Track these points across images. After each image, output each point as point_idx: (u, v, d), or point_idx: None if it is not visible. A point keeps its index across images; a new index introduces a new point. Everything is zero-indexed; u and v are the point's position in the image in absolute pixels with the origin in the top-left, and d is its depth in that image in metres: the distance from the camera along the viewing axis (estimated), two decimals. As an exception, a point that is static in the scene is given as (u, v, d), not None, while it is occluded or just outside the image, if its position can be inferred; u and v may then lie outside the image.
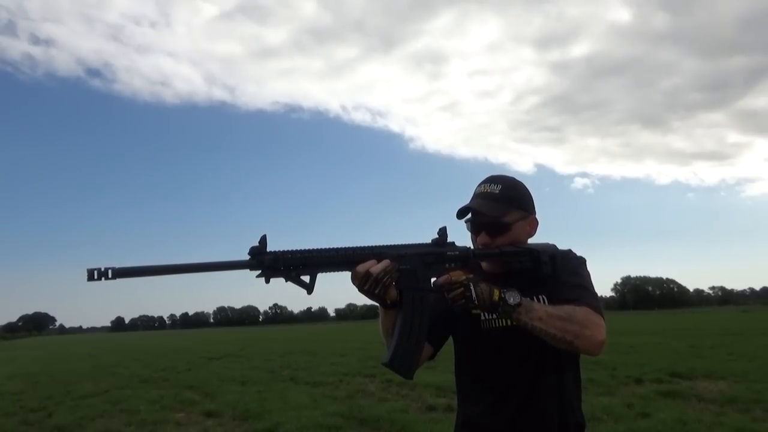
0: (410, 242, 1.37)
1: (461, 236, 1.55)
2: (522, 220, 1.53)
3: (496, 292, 1.30)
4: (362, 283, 1.26)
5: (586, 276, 1.52)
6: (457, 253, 1.40)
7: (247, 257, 1.18)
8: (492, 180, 1.56)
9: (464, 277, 1.31)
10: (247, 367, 12.84)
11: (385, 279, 1.26)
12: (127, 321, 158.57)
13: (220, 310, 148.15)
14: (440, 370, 8.44)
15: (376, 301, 1.33)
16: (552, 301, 1.44)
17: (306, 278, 1.22)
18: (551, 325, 1.31)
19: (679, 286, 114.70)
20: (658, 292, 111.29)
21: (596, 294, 1.49)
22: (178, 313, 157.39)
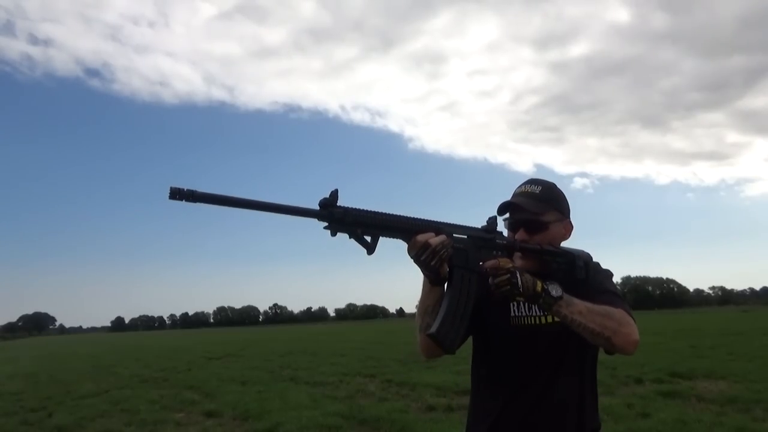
0: (465, 224, 1.43)
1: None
2: (558, 222, 1.58)
3: (539, 284, 1.32)
4: (420, 253, 1.29)
5: (616, 287, 1.57)
6: (505, 242, 1.46)
7: (317, 208, 1.19)
8: (533, 182, 1.61)
9: (511, 265, 1.34)
10: (247, 367, 12.84)
11: (442, 252, 1.30)
12: (127, 321, 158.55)
13: (220, 310, 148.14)
14: (440, 371, 8.46)
15: (428, 274, 1.36)
16: None
17: (368, 238, 1.25)
18: (591, 319, 1.34)
19: (679, 286, 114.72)
20: (658, 292, 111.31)
21: (627, 302, 1.52)
22: (178, 313, 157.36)
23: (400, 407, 6.58)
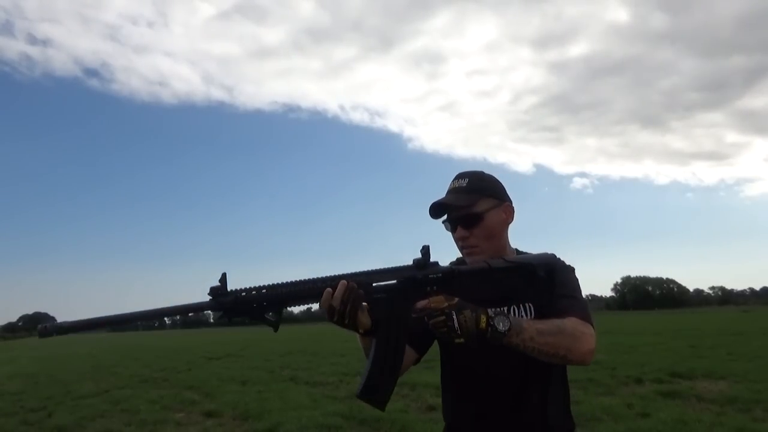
0: (388, 266, 1.27)
1: (448, 249, 1.54)
2: (495, 208, 1.50)
3: (483, 319, 1.20)
4: (328, 315, 1.19)
5: (575, 284, 1.48)
6: (439, 275, 1.27)
7: (208, 298, 1.15)
8: (459, 176, 1.54)
9: (445, 304, 1.20)
10: (247, 367, 12.83)
11: (347, 309, 1.18)
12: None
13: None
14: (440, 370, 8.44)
15: (349, 330, 1.24)
16: (540, 312, 1.40)
17: (271, 314, 1.18)
18: (543, 343, 1.27)
19: (679, 286, 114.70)
20: (658, 292, 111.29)
21: (585, 301, 1.46)
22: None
23: (400, 407, 6.57)
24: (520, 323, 1.24)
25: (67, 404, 8.19)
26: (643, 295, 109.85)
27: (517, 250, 1.57)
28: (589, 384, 7.58)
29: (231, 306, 1.14)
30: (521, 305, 1.43)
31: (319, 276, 1.22)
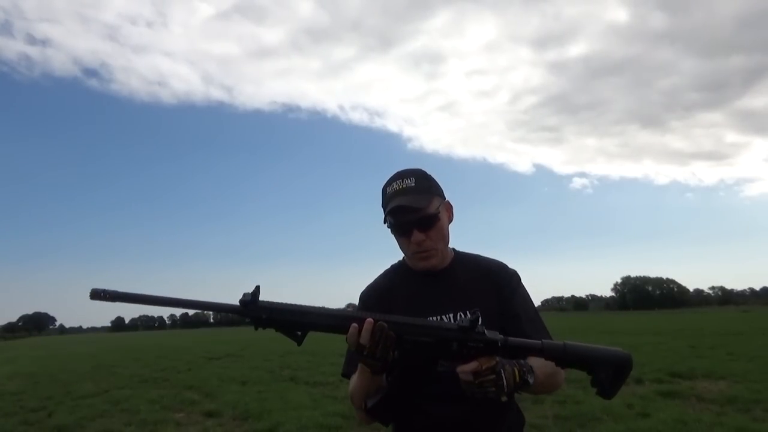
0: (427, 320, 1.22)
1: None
2: (443, 208, 1.46)
3: (517, 373, 1.18)
4: (357, 351, 1.17)
5: (531, 301, 1.51)
6: (482, 345, 1.16)
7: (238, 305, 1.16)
8: (402, 175, 1.45)
9: (495, 362, 1.14)
10: (247, 367, 12.83)
11: (378, 348, 1.15)
12: (127, 321, 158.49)
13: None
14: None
15: (371, 364, 1.19)
16: (489, 320, 1.30)
17: (297, 332, 1.19)
18: (547, 384, 1.33)
19: (679, 286, 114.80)
20: (658, 292, 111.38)
21: (544, 326, 1.48)
22: (178, 313, 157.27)
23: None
24: (535, 372, 1.23)
25: (67, 404, 8.19)
26: (643, 295, 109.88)
27: (454, 249, 1.54)
28: (590, 384, 7.57)
29: (262, 316, 1.16)
30: (467, 310, 1.40)
31: (353, 312, 1.22)
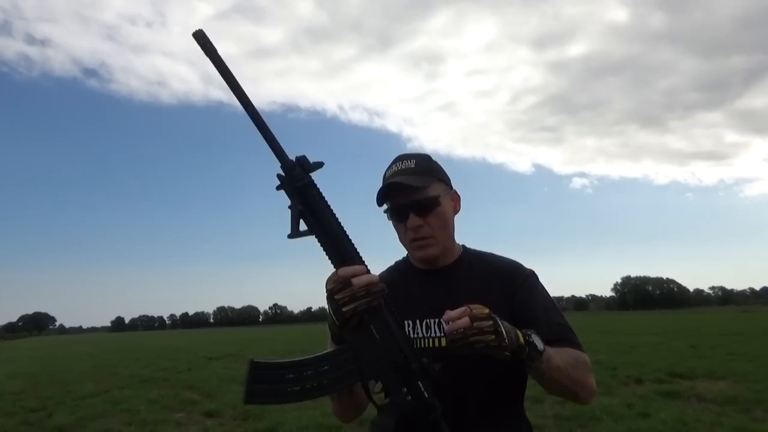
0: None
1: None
2: (446, 195, 1.32)
3: (520, 334, 1.08)
4: (335, 289, 1.02)
5: (555, 303, 1.35)
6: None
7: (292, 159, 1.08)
8: (403, 157, 1.33)
9: (488, 310, 1.05)
10: (247, 367, 12.81)
11: (360, 300, 1.02)
12: (127, 321, 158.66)
13: (220, 310, 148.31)
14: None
15: (334, 321, 1.07)
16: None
17: (303, 225, 1.06)
18: (566, 375, 1.15)
19: (679, 286, 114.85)
20: (658, 292, 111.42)
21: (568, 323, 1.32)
22: (178, 313, 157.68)
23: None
24: (548, 349, 1.12)
25: (67, 404, 8.19)
26: (643, 295, 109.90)
27: (463, 246, 1.40)
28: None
29: (300, 187, 1.07)
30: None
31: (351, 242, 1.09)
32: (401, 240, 1.35)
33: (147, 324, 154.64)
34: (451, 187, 1.36)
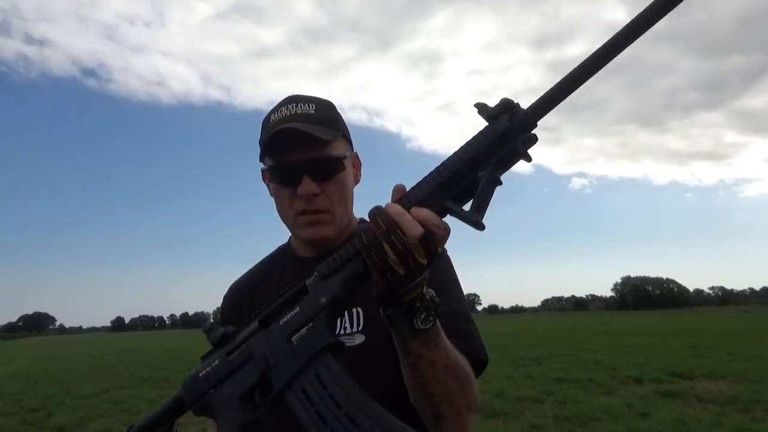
0: None
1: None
2: (350, 156, 1.03)
3: (433, 293, 0.76)
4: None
5: (460, 288, 1.02)
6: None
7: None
8: (298, 99, 1.00)
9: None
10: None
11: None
12: (127, 321, 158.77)
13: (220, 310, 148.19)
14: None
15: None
16: (374, 320, 0.88)
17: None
18: (443, 377, 0.80)
19: (679, 286, 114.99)
20: (658, 292, 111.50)
21: (474, 322, 0.98)
22: (178, 313, 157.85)
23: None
24: (439, 328, 0.79)
25: (67, 404, 8.19)
26: (643, 295, 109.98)
27: (362, 219, 1.06)
28: (589, 384, 7.57)
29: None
30: (357, 308, 0.97)
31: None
32: (282, 211, 1.01)
33: (147, 324, 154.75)
34: (353, 148, 1.05)
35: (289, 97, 1.02)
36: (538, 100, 0.68)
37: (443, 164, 0.71)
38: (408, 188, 0.72)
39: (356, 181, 1.06)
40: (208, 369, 0.87)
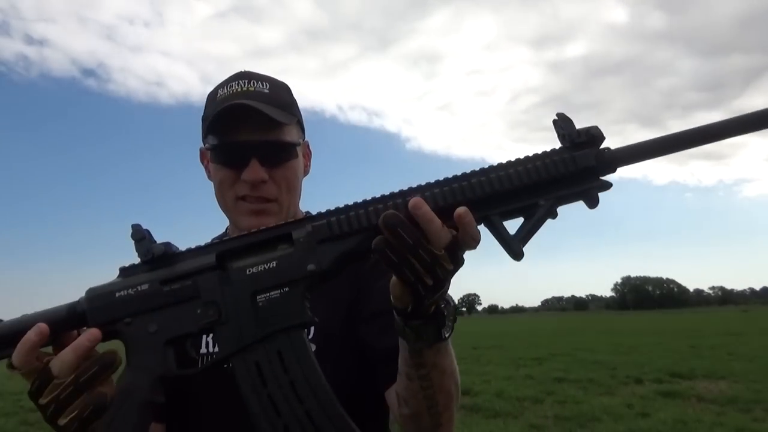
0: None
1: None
2: (302, 144, 0.96)
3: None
4: (34, 389, 0.71)
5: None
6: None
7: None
8: (251, 75, 0.92)
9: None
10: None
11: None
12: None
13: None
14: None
15: None
16: (330, 334, 0.86)
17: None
18: (447, 384, 0.75)
19: (679, 286, 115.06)
20: (658, 292, 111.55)
21: None
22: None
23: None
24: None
25: (67, 404, 8.19)
26: (643, 295, 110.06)
27: (308, 213, 0.92)
28: (589, 384, 7.57)
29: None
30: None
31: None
32: (221, 195, 0.91)
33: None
34: (305, 137, 0.98)
35: (241, 72, 0.93)
36: (628, 147, 0.64)
37: (502, 172, 0.62)
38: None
39: (305, 172, 0.98)
40: (130, 291, 0.66)
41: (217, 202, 0.94)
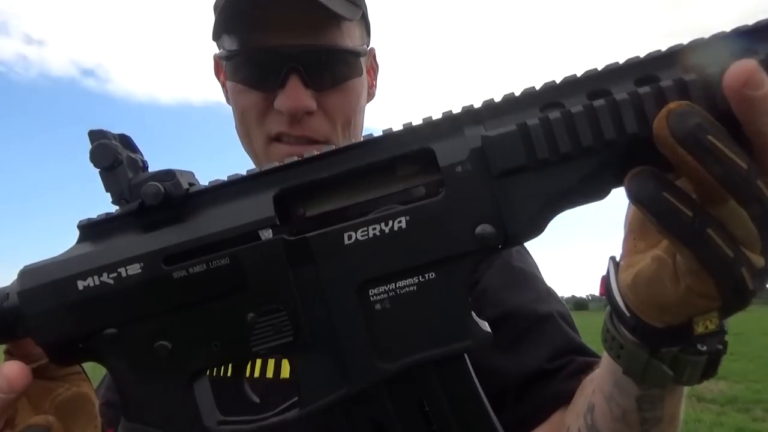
0: None
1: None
2: (369, 55, 0.66)
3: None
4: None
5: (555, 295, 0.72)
6: None
7: None
8: None
9: None
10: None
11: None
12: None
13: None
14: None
15: None
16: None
17: None
18: (674, 426, 0.51)
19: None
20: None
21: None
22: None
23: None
24: None
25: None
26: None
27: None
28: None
29: None
30: None
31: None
32: (244, 132, 0.64)
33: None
34: (370, 41, 0.67)
35: None
36: None
37: None
38: None
39: (370, 96, 0.66)
40: (106, 277, 0.35)
41: (239, 139, 0.61)
